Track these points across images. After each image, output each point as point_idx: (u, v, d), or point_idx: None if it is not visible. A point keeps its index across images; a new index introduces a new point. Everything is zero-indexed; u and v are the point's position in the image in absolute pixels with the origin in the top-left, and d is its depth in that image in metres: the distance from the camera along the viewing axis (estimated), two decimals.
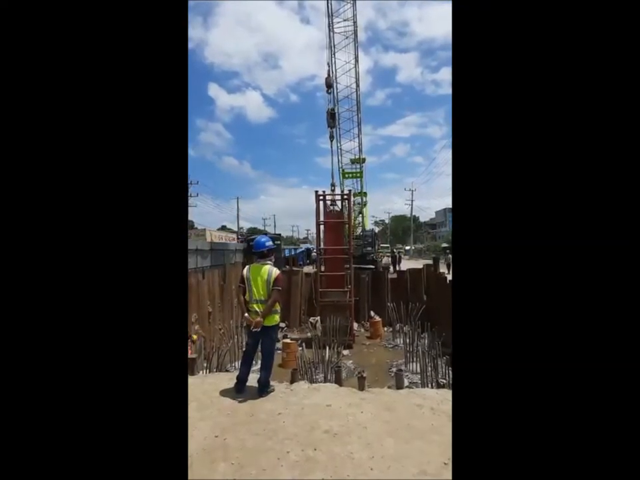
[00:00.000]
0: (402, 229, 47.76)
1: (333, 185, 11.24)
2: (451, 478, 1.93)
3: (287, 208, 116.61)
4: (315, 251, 17.97)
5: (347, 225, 8.66)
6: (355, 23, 11.87)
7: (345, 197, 9.08)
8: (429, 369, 4.94)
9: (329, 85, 11.59)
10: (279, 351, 6.84)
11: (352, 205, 9.74)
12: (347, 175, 13.28)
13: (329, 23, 11.77)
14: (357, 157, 12.85)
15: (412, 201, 39.41)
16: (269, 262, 3.45)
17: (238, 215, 38.89)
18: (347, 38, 12.02)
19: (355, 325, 8.62)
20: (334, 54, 11.96)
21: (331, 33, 11.85)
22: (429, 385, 4.57)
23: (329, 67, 11.66)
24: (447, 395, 3.09)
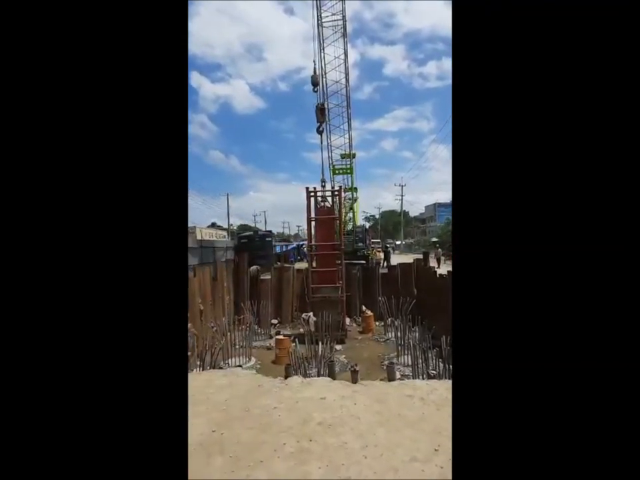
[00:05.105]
0: (392, 224, 48.12)
1: (323, 180, 11.27)
2: (440, 463, 2.02)
3: (278, 204, 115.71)
4: (304, 247, 17.97)
5: (337, 221, 8.70)
6: (343, 17, 11.81)
7: (336, 193, 9.13)
8: (420, 361, 5.05)
9: (315, 83, 11.44)
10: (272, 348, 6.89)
11: (342, 201, 9.78)
12: (337, 171, 13.28)
13: (317, 17, 11.67)
14: (346, 152, 12.86)
15: (402, 196, 39.67)
16: None
17: (228, 211, 38.53)
18: (335, 32, 11.95)
19: (347, 320, 8.71)
20: (323, 49, 11.89)
21: (320, 28, 11.77)
22: (420, 377, 4.69)
23: (315, 64, 11.53)
24: (436, 385, 3.19)
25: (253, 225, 48.33)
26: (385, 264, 14.09)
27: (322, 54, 11.87)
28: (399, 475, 1.94)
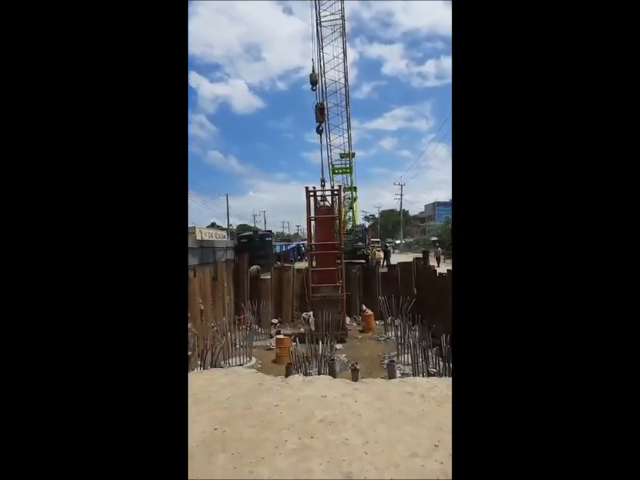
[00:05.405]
0: (392, 223, 48.18)
1: (323, 180, 11.28)
2: (440, 459, 2.04)
3: (277, 204, 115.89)
4: (303, 246, 17.97)
5: (337, 221, 8.72)
6: (342, 16, 11.82)
7: (335, 192, 9.15)
8: (420, 359, 5.07)
9: (314, 82, 11.47)
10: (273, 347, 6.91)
11: (342, 201, 9.80)
12: (336, 171, 13.30)
13: (316, 17, 11.69)
14: (346, 151, 12.88)
15: (401, 195, 39.71)
16: None
17: (228, 211, 38.51)
18: (334, 32, 11.97)
19: (347, 319, 8.73)
20: (322, 48, 11.91)
21: (319, 28, 11.78)
22: (420, 375, 4.70)
23: (313, 62, 11.56)
24: (436, 382, 3.21)
25: (252, 224, 48.34)
26: (385, 263, 14.11)
27: (321, 53, 11.89)
28: (400, 470, 1.96)
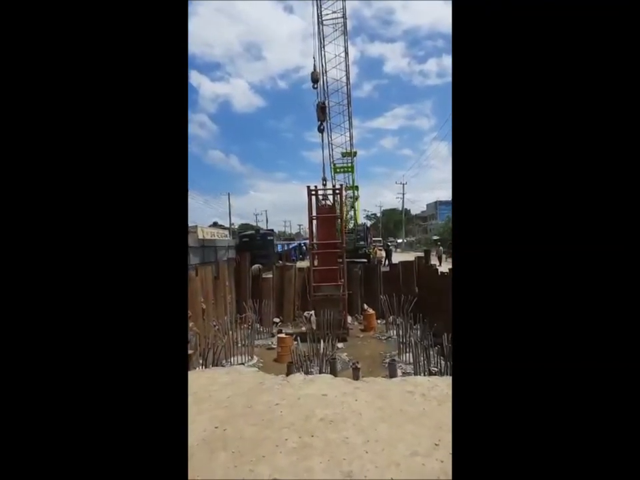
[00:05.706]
0: (393, 222, 48.17)
1: (324, 179, 11.29)
2: (440, 457, 2.04)
3: (278, 203, 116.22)
4: (305, 245, 17.99)
5: (339, 220, 8.72)
6: (344, 15, 11.79)
7: (337, 191, 9.14)
8: (422, 358, 5.07)
9: (315, 79, 11.47)
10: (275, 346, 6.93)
11: (344, 199, 9.80)
12: (338, 170, 13.31)
13: (318, 15, 11.66)
14: (347, 150, 12.87)
15: (403, 194, 39.68)
16: None
17: (230, 211, 38.54)
18: (335, 30, 11.94)
19: (349, 318, 8.74)
20: (323, 46, 11.88)
21: (320, 26, 11.76)
22: (422, 374, 4.70)
23: (315, 60, 11.54)
24: (437, 381, 3.21)
25: (254, 224, 48.35)
26: (387, 262, 14.10)
27: (322, 52, 11.87)
28: (400, 469, 1.97)
